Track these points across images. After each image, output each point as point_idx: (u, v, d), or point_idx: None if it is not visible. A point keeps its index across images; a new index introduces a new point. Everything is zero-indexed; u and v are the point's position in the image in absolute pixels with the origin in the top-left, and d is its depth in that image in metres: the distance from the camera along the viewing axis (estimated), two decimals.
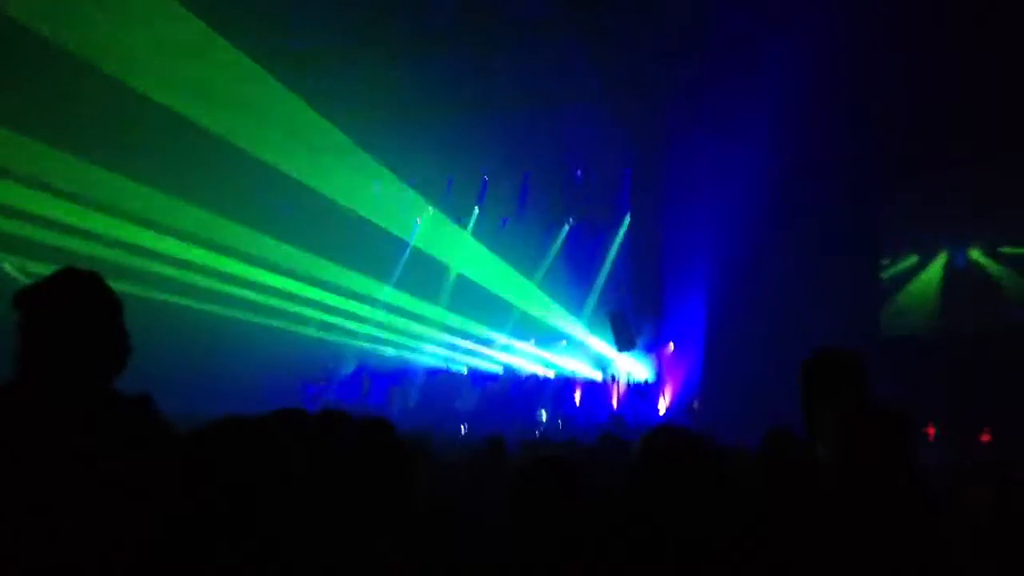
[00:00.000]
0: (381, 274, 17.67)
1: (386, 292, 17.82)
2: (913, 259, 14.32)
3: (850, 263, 13.99)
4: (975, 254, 13.63)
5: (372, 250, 16.86)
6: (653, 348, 16.47)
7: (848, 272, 13.92)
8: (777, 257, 13.87)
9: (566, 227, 17.62)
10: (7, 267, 15.96)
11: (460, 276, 17.88)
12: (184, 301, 15.82)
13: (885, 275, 14.63)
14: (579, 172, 16.06)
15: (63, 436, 1.91)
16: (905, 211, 14.42)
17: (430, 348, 18.52)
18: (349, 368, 18.43)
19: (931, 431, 11.30)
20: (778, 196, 13.27)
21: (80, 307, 2.06)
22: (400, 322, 18.07)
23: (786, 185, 13.28)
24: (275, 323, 17.33)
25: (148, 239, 14.77)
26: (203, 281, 15.96)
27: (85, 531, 1.83)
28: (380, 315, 17.88)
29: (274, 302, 16.97)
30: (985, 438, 11.52)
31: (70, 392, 2.00)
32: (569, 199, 16.84)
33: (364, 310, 17.85)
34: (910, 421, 2.34)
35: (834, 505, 2.23)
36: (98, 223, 14.02)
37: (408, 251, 17.91)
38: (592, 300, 17.31)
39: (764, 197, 13.08)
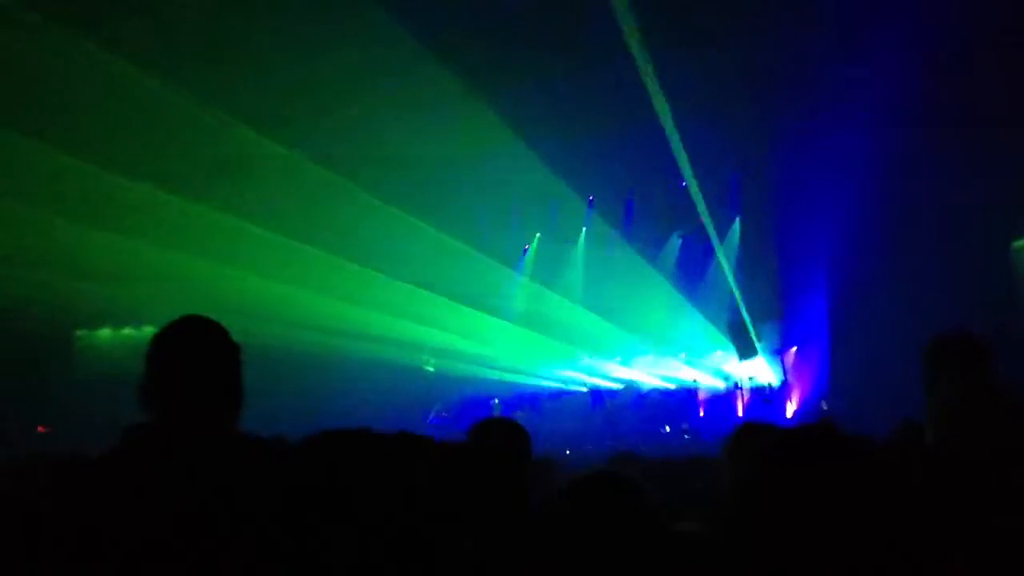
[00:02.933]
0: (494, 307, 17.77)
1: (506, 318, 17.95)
2: None
3: (982, 247, 13.09)
4: None
5: (482, 283, 16.87)
6: (776, 352, 16.14)
7: (981, 256, 13.10)
8: (902, 247, 13.31)
9: (676, 239, 17.50)
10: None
11: (573, 297, 17.96)
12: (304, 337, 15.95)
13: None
14: (683, 183, 15.95)
15: (201, 476, 1.96)
16: None
17: (552, 371, 18.58)
18: (474, 396, 18.61)
19: None
20: (897, 184, 12.74)
21: (202, 352, 2.12)
22: (519, 350, 18.17)
23: (905, 172, 12.71)
24: (394, 355, 17.59)
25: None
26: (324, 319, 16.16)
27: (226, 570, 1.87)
28: (502, 343, 18.03)
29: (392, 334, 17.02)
30: None
31: (203, 433, 2.05)
32: (676, 211, 16.72)
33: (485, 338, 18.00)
34: None
35: (924, 495, 1.91)
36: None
37: (520, 278, 18.13)
38: (709, 309, 17.10)
39: (882, 186, 12.58)
